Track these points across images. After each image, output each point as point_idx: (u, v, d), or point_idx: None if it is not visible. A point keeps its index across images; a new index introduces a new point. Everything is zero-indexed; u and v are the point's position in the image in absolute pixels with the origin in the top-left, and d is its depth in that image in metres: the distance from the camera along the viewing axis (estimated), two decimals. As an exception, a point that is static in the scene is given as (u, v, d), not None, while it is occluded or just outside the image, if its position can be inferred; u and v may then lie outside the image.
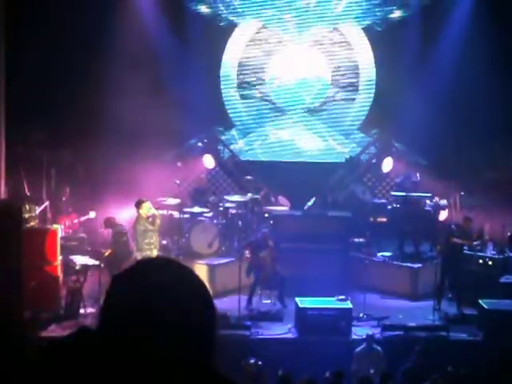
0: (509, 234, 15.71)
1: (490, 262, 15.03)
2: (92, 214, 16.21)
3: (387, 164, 18.04)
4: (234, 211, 16.40)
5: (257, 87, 19.02)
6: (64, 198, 16.49)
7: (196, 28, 18.39)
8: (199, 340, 1.79)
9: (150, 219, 14.52)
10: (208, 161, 18.09)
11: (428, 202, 16.29)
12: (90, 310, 13.65)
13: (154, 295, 1.77)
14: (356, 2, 18.73)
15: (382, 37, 18.65)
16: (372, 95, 19.04)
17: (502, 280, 14.66)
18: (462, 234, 14.66)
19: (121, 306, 1.78)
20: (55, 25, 16.43)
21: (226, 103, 19.15)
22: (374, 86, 19.00)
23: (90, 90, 16.71)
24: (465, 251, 14.90)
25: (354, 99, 19.10)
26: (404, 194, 16.40)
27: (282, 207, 17.17)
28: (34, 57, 16.43)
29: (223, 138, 18.89)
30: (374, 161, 18.37)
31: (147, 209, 14.61)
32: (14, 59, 15.61)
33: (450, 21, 18.09)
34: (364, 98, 19.08)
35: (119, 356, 1.73)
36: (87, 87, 16.74)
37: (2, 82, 14.98)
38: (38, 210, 14.87)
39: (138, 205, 14.65)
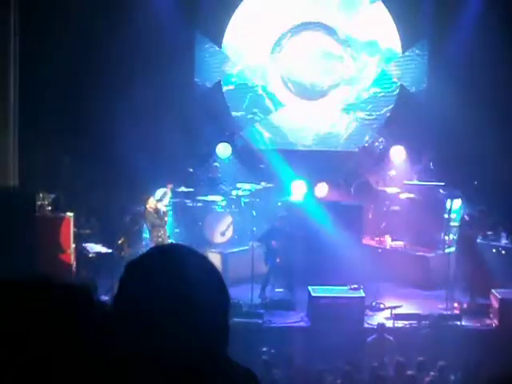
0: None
1: (504, 252, 14.99)
2: None
3: (397, 153, 17.89)
4: (247, 200, 16.40)
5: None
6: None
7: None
8: (212, 327, 1.79)
9: (157, 214, 14.85)
10: (224, 149, 17.91)
11: (441, 191, 16.24)
12: (103, 298, 13.68)
13: (168, 282, 1.77)
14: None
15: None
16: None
17: (516, 269, 14.62)
18: (475, 225, 14.65)
19: (134, 293, 1.78)
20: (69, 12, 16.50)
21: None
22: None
23: (102, 75, 16.76)
24: (478, 240, 14.88)
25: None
26: (417, 182, 16.39)
27: (296, 196, 17.14)
28: (47, 43, 16.44)
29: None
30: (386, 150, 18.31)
31: (153, 203, 14.94)
32: (27, 47, 15.65)
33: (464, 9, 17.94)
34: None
35: (132, 343, 1.73)
36: (100, 71, 16.78)
37: (15, 69, 15.03)
38: (52, 197, 14.91)
39: (144, 201, 14.93)
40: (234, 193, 16.59)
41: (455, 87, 16.96)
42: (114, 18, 16.74)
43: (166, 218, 15.22)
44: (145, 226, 15.19)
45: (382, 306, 14.04)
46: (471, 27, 17.47)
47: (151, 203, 14.99)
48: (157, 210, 15.06)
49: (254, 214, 16.11)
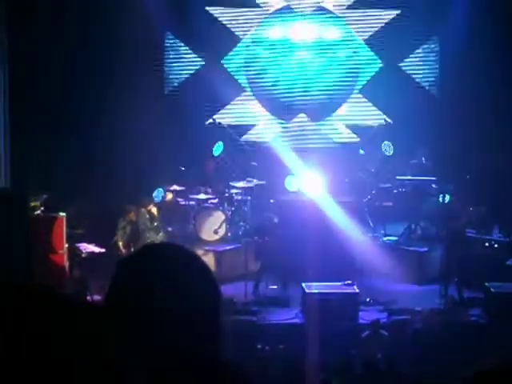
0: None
1: (496, 245, 15.00)
2: None
3: (387, 147, 17.89)
4: (239, 197, 16.39)
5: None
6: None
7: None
8: (203, 326, 1.78)
9: (149, 217, 14.90)
10: (216, 147, 17.89)
11: (433, 185, 16.27)
12: (96, 297, 13.67)
13: (158, 281, 1.76)
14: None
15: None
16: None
17: (509, 263, 14.63)
18: (465, 218, 14.68)
19: (125, 291, 1.78)
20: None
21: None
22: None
23: (96, 73, 16.77)
24: (470, 234, 14.90)
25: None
26: (409, 177, 16.42)
27: (289, 192, 17.14)
28: (38, 48, 16.42)
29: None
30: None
31: (149, 205, 15.08)
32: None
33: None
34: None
35: (121, 342, 1.73)
36: (94, 69, 16.79)
37: (5, 69, 14.99)
38: (44, 198, 14.87)
39: (142, 201, 15.00)
40: (227, 191, 16.58)
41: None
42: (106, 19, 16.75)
43: (156, 224, 15.25)
44: (139, 225, 15.15)
45: (375, 301, 14.05)
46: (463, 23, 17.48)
47: (147, 205, 15.09)
48: (150, 213, 15.12)
49: (246, 211, 16.14)
